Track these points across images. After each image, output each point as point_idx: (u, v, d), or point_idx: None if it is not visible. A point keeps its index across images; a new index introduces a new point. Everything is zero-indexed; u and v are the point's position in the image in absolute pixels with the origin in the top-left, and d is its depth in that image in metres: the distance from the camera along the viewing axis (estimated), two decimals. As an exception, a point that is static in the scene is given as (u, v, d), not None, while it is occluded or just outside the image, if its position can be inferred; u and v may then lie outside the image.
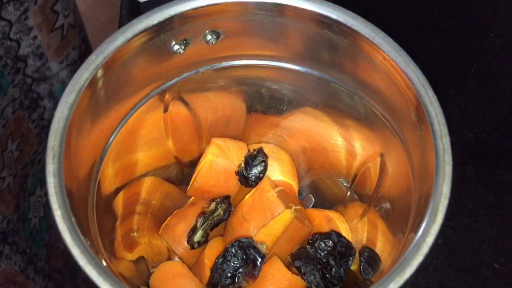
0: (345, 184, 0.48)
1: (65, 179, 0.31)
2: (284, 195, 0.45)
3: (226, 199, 0.46)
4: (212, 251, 0.45)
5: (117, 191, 0.42)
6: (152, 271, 0.45)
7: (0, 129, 0.49)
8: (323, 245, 0.43)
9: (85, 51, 0.64)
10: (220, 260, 0.42)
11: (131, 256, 0.44)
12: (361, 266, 0.43)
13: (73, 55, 0.61)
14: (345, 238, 0.44)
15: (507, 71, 0.61)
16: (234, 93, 0.46)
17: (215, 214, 0.46)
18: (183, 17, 0.36)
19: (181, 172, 0.49)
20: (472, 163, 0.56)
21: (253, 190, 0.46)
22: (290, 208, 0.43)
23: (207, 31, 0.39)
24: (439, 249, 0.52)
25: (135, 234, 0.45)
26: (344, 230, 0.46)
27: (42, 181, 0.65)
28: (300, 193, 0.50)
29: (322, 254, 0.43)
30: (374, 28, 0.35)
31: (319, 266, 0.43)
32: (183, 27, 0.37)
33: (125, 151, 0.42)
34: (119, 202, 0.43)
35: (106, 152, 0.39)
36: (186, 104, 0.44)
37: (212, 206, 0.46)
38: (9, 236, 0.56)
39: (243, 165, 0.46)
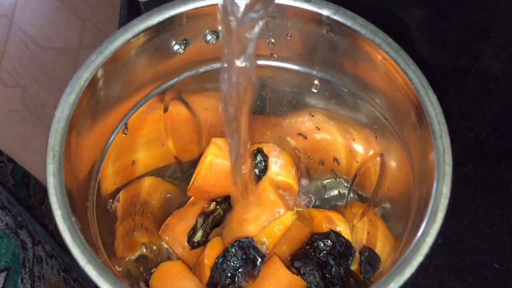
0: (345, 184, 0.48)
1: (65, 179, 0.31)
2: (284, 195, 0.45)
3: (226, 199, 0.46)
4: (212, 251, 0.44)
5: (117, 191, 0.42)
6: (152, 271, 0.45)
7: None
8: (322, 245, 0.43)
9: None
10: (220, 260, 0.42)
11: (131, 256, 0.44)
12: (361, 266, 0.43)
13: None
14: (344, 237, 0.44)
15: (507, 71, 0.61)
16: (234, 93, 0.46)
17: (215, 214, 0.46)
18: (183, 17, 0.36)
19: (181, 172, 0.49)
20: (472, 163, 0.56)
21: (253, 190, 0.46)
22: (292, 209, 0.43)
23: (207, 31, 0.38)
24: (439, 249, 0.52)
25: (135, 234, 0.45)
26: (344, 230, 0.46)
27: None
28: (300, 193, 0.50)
29: (321, 254, 0.43)
30: (374, 28, 0.35)
31: (318, 266, 0.43)
32: (183, 27, 0.37)
33: (125, 151, 0.42)
34: (119, 202, 0.43)
35: (106, 152, 0.39)
36: (186, 104, 0.44)
37: (212, 206, 0.46)
38: None
39: (243, 165, 0.46)
